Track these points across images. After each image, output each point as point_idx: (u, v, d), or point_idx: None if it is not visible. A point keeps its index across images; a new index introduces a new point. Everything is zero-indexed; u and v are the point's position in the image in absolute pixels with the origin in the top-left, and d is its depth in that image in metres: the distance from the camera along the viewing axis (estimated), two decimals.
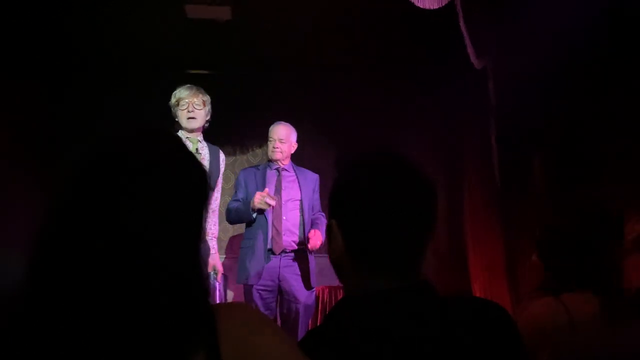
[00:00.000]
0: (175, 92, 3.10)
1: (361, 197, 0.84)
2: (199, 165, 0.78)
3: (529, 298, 1.36)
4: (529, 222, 2.93)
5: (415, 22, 3.24)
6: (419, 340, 0.77)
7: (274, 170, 3.34)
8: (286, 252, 3.19)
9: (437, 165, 4.28)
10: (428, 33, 3.55)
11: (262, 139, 5.06)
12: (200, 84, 4.61)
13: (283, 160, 3.34)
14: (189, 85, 3.12)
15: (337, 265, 0.88)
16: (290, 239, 3.22)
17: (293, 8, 3.57)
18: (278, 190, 3.27)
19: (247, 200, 3.21)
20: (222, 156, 3.22)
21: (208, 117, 3.10)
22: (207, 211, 0.76)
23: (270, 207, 3.12)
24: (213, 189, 3.04)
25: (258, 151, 4.90)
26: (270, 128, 3.39)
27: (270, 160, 3.38)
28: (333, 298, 4.22)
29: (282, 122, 3.41)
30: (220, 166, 3.16)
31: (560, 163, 3.00)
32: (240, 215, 3.20)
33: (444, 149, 4.46)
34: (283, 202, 3.25)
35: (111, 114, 4.54)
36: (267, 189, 3.16)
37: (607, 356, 1.00)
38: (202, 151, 3.05)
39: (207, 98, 3.11)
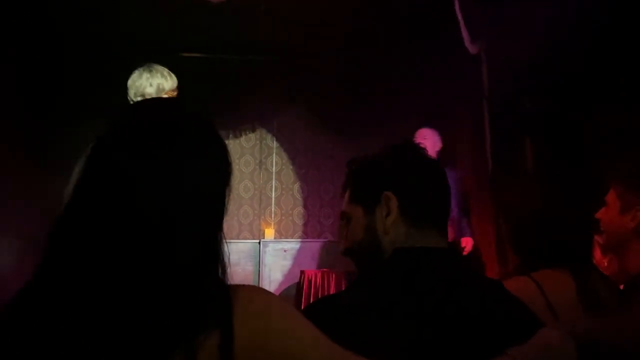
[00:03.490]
0: (159, 81, 2.56)
1: (411, 171, 1.00)
2: (223, 142, 0.78)
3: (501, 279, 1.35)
4: None
5: (409, 7, 3.24)
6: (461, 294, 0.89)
7: None
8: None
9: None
10: (422, 18, 3.55)
11: (255, 123, 5.10)
12: (193, 67, 4.61)
13: None
14: (167, 70, 2.64)
15: (383, 233, 0.98)
16: None
17: None
18: None
19: None
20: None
21: None
22: (230, 189, 0.76)
23: None
24: None
25: (251, 135, 4.90)
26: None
27: None
28: (325, 282, 4.26)
29: (426, 128, 3.73)
30: None
31: (549, 149, 3.03)
32: None
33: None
34: None
35: (103, 97, 4.52)
36: None
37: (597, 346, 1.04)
38: None
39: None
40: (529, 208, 1.32)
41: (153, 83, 2.52)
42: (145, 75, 2.53)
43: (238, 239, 4.69)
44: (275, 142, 4.94)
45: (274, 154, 4.95)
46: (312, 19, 3.91)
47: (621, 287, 1.48)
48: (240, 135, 4.88)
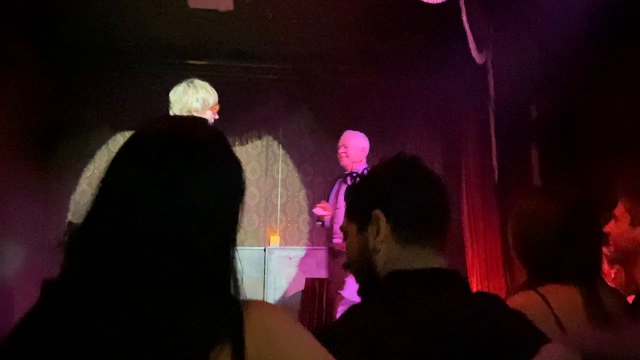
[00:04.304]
0: (205, 96, 2.61)
1: (404, 187, 0.97)
2: (237, 159, 0.79)
3: (507, 296, 1.33)
4: None
5: (417, 16, 3.26)
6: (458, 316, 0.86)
7: (343, 177, 3.53)
8: (338, 252, 3.34)
9: (435, 158, 4.30)
10: (429, 27, 3.56)
11: (262, 130, 5.11)
12: (200, 74, 4.63)
13: (350, 166, 3.47)
14: (208, 85, 2.69)
15: (373, 251, 0.96)
16: (337, 241, 3.38)
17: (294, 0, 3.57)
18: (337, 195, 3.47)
19: None
20: None
21: None
22: (243, 205, 0.78)
23: (323, 215, 3.42)
24: None
25: (257, 143, 4.91)
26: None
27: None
28: (324, 290, 4.24)
29: (349, 130, 3.59)
30: None
31: (555, 157, 3.03)
32: None
33: (443, 143, 4.48)
34: (337, 207, 3.42)
35: (109, 105, 4.56)
36: (323, 201, 3.49)
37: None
38: None
39: None
40: (537, 221, 1.31)
41: (199, 98, 2.55)
42: (191, 91, 2.57)
43: (243, 246, 4.69)
44: (281, 149, 4.94)
45: (280, 161, 4.96)
46: (318, 27, 3.94)
47: (629, 299, 1.47)
48: (247, 143, 4.89)
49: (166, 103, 4.33)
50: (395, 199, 0.96)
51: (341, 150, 3.51)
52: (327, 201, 3.54)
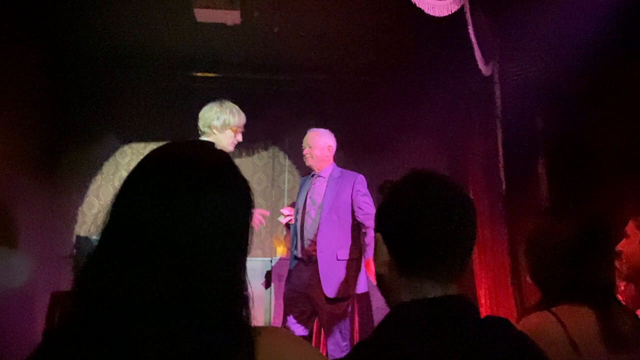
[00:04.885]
0: (227, 117, 2.80)
1: (406, 212, 0.91)
2: (245, 180, 0.80)
3: (521, 316, 1.31)
4: None
5: (424, 29, 3.26)
6: (457, 348, 0.82)
7: (311, 178, 3.40)
8: (313, 260, 3.15)
9: (441, 171, 4.28)
10: (436, 40, 3.57)
11: (268, 141, 5.12)
12: (208, 86, 4.67)
13: (317, 166, 3.33)
14: (237, 108, 2.90)
15: (380, 276, 0.95)
16: (309, 247, 3.20)
17: (302, 13, 3.59)
18: (306, 198, 3.32)
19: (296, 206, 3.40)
20: None
21: None
22: (252, 227, 0.78)
23: (285, 219, 3.25)
24: None
25: (264, 153, 4.92)
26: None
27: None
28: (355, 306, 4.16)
29: (313, 129, 3.42)
30: None
31: (563, 171, 3.00)
32: None
33: (450, 155, 4.46)
34: (307, 210, 3.26)
35: (117, 116, 4.59)
36: (287, 206, 3.32)
37: None
38: None
39: None
40: (550, 242, 1.29)
41: (220, 117, 2.76)
42: (215, 109, 2.79)
43: (249, 256, 4.67)
44: (287, 160, 4.95)
45: (286, 172, 4.96)
46: (324, 39, 3.96)
47: (639, 312, 1.45)
48: (253, 154, 4.91)
49: (173, 114, 4.38)
50: (395, 227, 0.92)
51: (305, 151, 3.34)
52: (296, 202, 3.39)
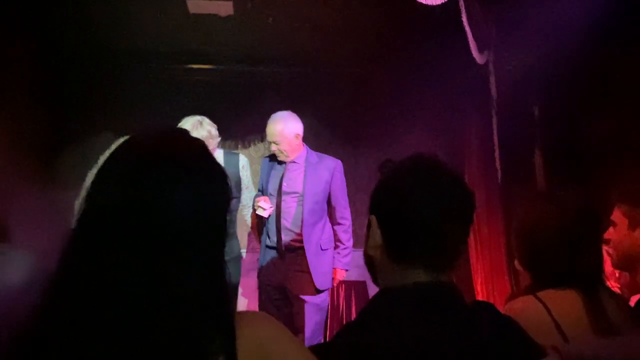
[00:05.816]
0: (201, 133, 2.98)
1: (403, 197, 0.89)
2: (221, 168, 0.79)
3: (508, 300, 1.32)
4: None
5: (417, 18, 3.24)
6: (443, 335, 0.82)
7: (282, 163, 3.14)
8: (291, 250, 3.02)
9: None
10: (430, 29, 3.54)
11: (264, 132, 5.09)
12: (201, 78, 4.65)
13: (290, 157, 3.09)
14: (215, 132, 3.13)
15: (371, 258, 0.93)
16: (289, 237, 3.03)
17: (297, 3, 3.56)
18: (280, 185, 3.09)
19: (261, 191, 3.20)
20: (241, 162, 3.27)
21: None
22: (230, 216, 0.77)
23: (264, 211, 3.00)
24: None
25: (260, 145, 4.91)
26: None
27: None
28: (336, 293, 4.20)
29: (273, 118, 3.10)
30: (241, 174, 3.24)
31: (559, 160, 2.99)
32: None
33: (445, 145, 4.45)
34: (283, 199, 3.05)
35: (113, 110, 4.57)
36: (264, 197, 3.06)
37: None
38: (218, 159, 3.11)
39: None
40: (540, 227, 1.29)
41: (198, 136, 2.78)
42: (195, 127, 2.98)
43: (247, 249, 4.68)
44: None
45: None
46: (319, 30, 3.93)
47: (633, 299, 1.45)
48: (249, 146, 4.89)
49: (167, 105, 4.35)
50: (391, 211, 0.90)
51: (273, 148, 3.03)
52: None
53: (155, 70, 4.59)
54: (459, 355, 0.80)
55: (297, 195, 3.06)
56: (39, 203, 4.07)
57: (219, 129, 3.27)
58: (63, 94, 4.40)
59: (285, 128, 3.04)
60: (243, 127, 4.74)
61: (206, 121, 3.06)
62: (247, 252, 4.47)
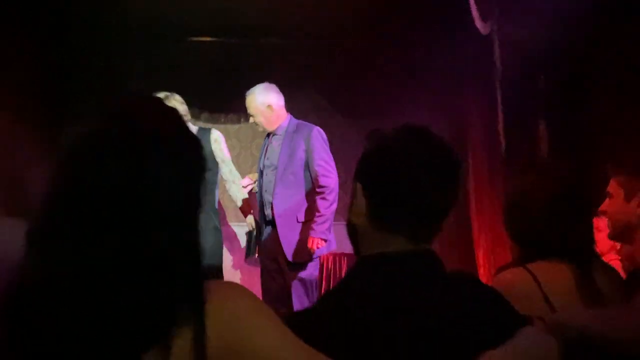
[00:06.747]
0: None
1: (388, 165, 0.89)
2: (195, 138, 0.79)
3: (498, 272, 1.33)
4: None
5: None
6: (423, 302, 0.83)
7: (268, 137, 3.27)
8: (273, 224, 3.06)
9: (439, 133, 4.23)
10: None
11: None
12: (201, 51, 4.60)
13: (270, 128, 3.17)
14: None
15: (355, 227, 0.94)
16: (269, 210, 3.07)
17: None
18: (264, 159, 3.22)
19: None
20: (213, 136, 3.30)
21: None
22: (205, 185, 0.76)
23: (245, 189, 3.20)
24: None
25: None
26: None
27: None
28: (337, 265, 4.25)
29: (248, 92, 3.18)
30: (213, 147, 3.27)
31: (563, 131, 2.96)
32: None
33: (447, 116, 4.40)
34: (265, 174, 3.13)
35: (114, 85, 4.54)
36: (246, 177, 3.26)
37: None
38: None
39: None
40: (529, 198, 1.29)
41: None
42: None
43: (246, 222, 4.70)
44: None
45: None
46: (321, 2, 3.85)
47: (624, 276, 1.45)
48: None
49: (169, 79, 4.33)
50: (376, 178, 0.91)
51: (251, 120, 3.20)
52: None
53: (156, 44, 4.55)
54: (435, 322, 0.81)
55: (274, 166, 3.09)
56: (42, 179, 4.10)
57: (220, 103, 3.29)
58: (62, 68, 4.37)
59: (255, 99, 3.12)
60: (244, 101, 4.71)
61: (176, 97, 3.10)
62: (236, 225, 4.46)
